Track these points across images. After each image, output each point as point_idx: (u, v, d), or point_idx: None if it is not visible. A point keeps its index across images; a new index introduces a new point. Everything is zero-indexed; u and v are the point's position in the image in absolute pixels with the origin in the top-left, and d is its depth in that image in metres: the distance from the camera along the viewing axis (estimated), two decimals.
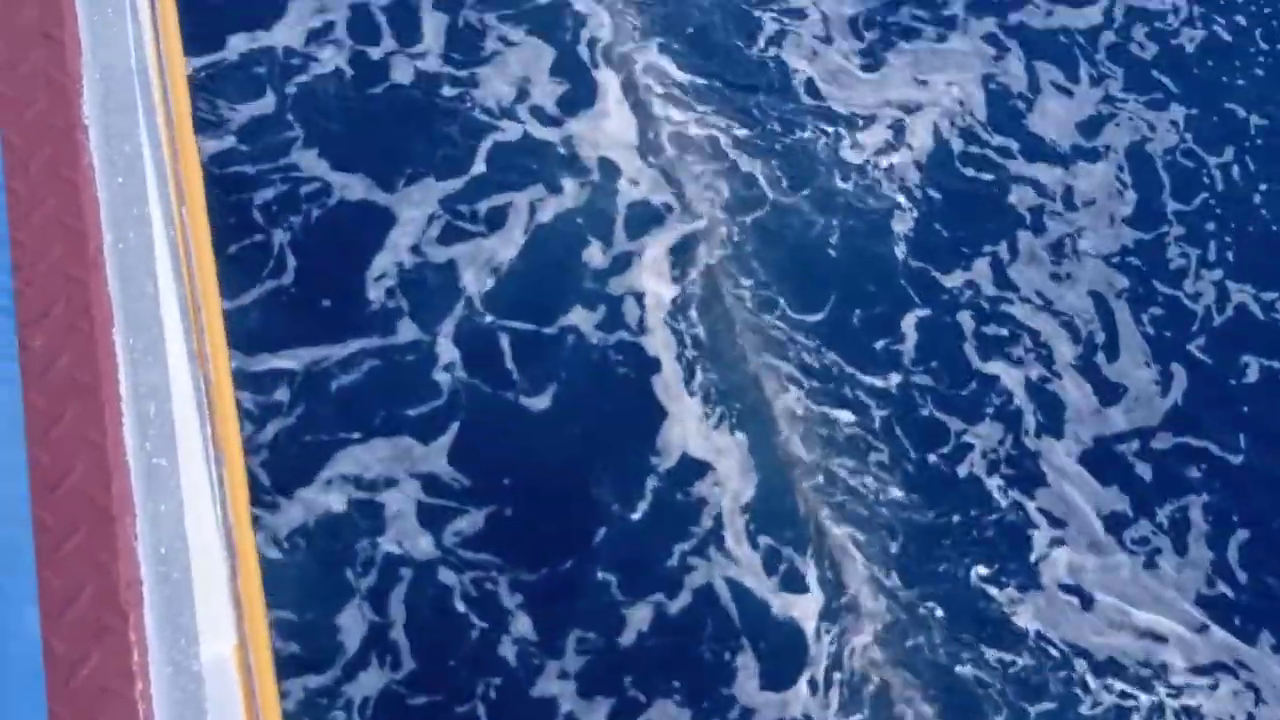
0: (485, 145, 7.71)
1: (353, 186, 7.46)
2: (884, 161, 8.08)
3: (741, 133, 8.04)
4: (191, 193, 3.29)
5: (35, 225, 2.67)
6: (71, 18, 2.99)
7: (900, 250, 7.77)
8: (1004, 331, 7.61)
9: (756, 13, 8.42)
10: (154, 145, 2.95)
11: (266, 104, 7.60)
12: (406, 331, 7.05)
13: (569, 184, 7.60)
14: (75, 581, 2.71)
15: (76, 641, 2.70)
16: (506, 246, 7.37)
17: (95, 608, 2.70)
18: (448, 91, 7.88)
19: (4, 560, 2.67)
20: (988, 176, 8.13)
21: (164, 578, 2.76)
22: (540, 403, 6.93)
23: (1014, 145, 8.29)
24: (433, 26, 8.02)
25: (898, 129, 8.21)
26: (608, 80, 8.08)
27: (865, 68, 8.45)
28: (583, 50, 8.08)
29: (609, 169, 7.72)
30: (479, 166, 7.60)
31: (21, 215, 2.66)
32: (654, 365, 7.08)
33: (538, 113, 7.86)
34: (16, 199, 2.67)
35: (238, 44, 7.72)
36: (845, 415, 7.20)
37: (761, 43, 8.36)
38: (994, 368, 7.48)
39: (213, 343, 3.84)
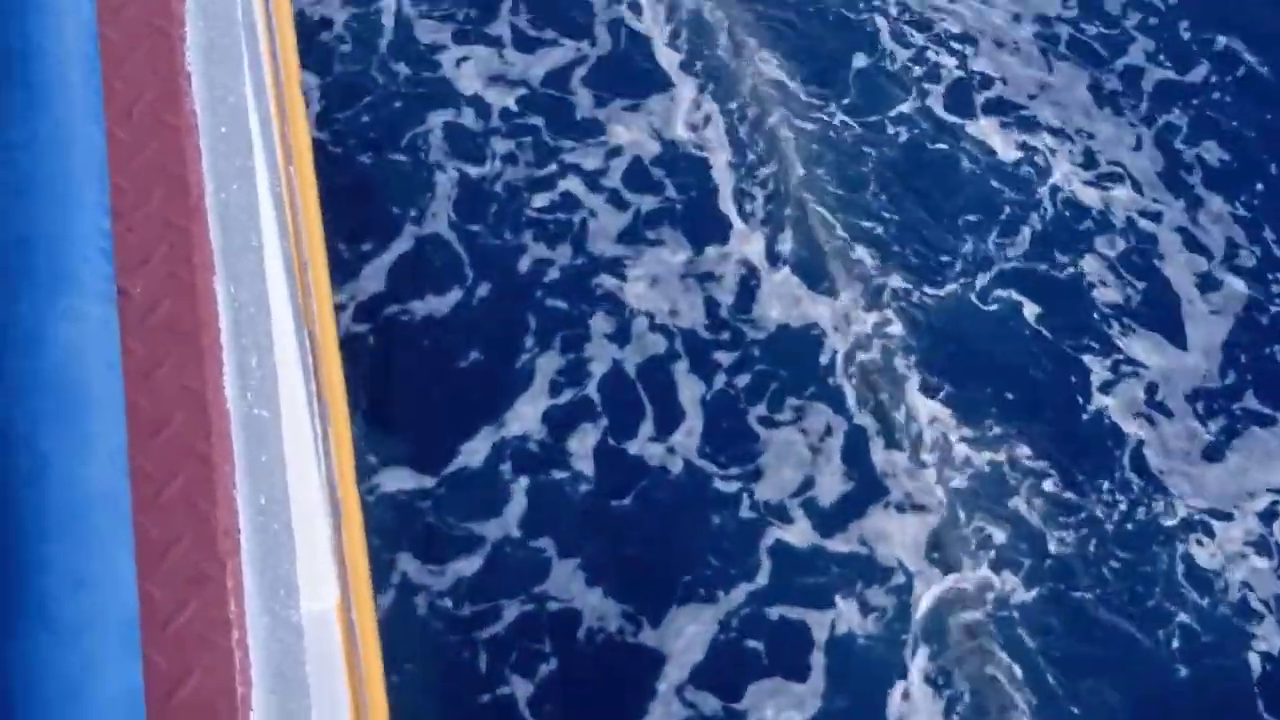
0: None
1: None
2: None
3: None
4: (299, 151, 3.28)
5: (136, 170, 2.66)
6: None
7: None
8: None
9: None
10: (260, 100, 2.93)
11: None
12: None
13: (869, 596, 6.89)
14: (173, 529, 2.70)
15: (173, 589, 2.69)
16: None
17: (193, 555, 2.69)
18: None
19: (102, 508, 2.66)
20: None
21: (263, 528, 2.75)
22: None
23: None
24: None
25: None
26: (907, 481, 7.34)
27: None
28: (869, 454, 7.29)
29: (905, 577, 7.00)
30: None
31: (123, 160, 2.65)
32: None
33: (818, 512, 7.07)
34: (118, 144, 2.66)
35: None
36: None
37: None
38: None
39: (319, 302, 3.86)
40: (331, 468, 3.96)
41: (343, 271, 7.06)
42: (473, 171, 7.68)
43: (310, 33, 7.78)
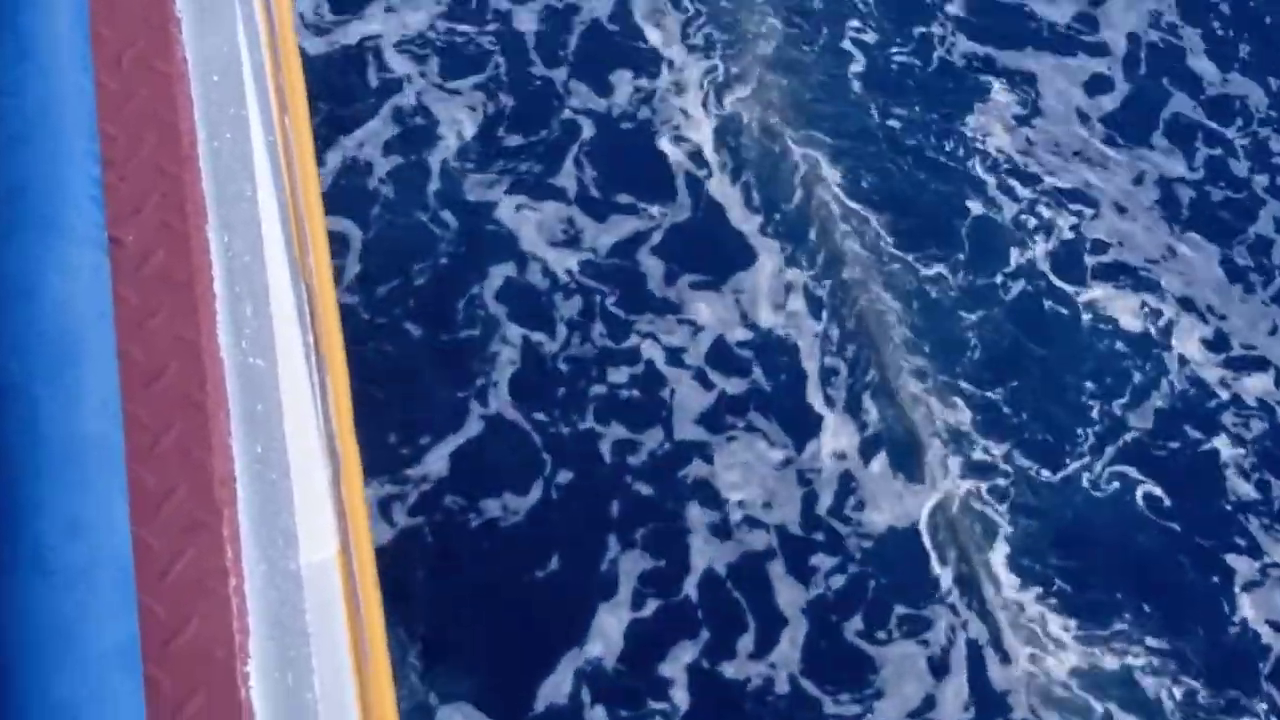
0: None
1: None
2: None
3: None
4: (294, 102, 3.32)
5: (127, 118, 2.70)
6: None
7: None
8: None
9: None
10: (253, 48, 2.98)
11: None
12: None
13: None
14: (169, 478, 2.66)
15: (169, 537, 2.64)
16: None
17: (189, 503, 2.64)
18: None
19: (95, 456, 2.63)
20: None
21: (260, 476, 2.70)
22: None
23: None
24: None
25: None
26: None
27: None
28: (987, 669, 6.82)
29: None
30: None
31: (113, 108, 2.69)
32: None
33: None
34: (107, 92, 2.70)
35: None
36: None
37: None
38: None
39: (316, 251, 3.84)
40: (330, 418, 3.89)
41: (393, 460, 6.89)
42: (538, 340, 7.51)
43: (348, 180, 7.65)
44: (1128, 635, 6.78)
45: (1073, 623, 6.82)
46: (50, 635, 2.48)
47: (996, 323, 7.70)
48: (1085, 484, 7.26)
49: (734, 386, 7.34)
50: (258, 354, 2.74)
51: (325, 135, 7.38)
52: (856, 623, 6.77)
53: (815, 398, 7.39)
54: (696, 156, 7.89)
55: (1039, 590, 6.86)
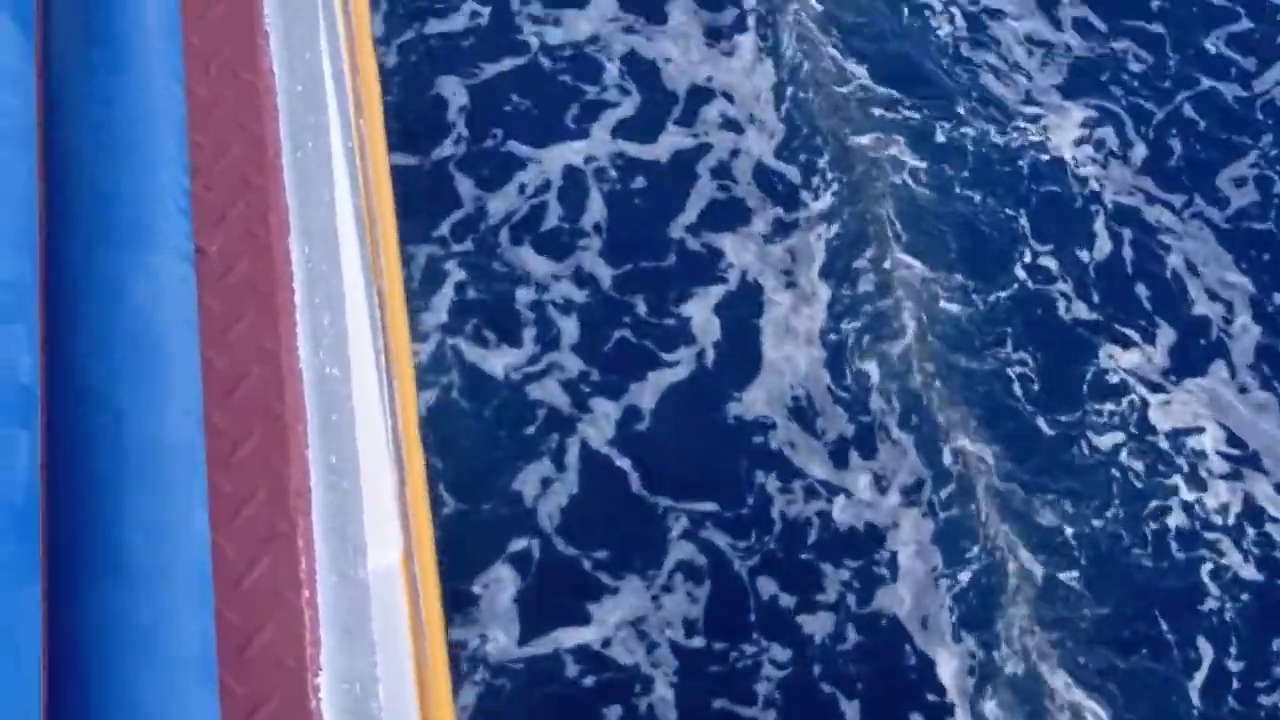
0: None
1: None
2: None
3: None
4: (369, 103, 3.34)
5: (214, 128, 2.72)
6: None
7: None
8: None
9: None
10: (334, 54, 3.00)
11: None
12: None
13: None
14: (247, 486, 2.68)
15: (246, 546, 2.66)
16: None
17: (266, 513, 2.67)
18: None
19: (176, 463, 2.65)
20: None
21: (333, 486, 2.72)
22: None
23: None
24: None
25: None
26: None
27: None
28: None
29: None
30: None
31: (201, 117, 2.72)
32: None
33: None
34: (196, 100, 2.73)
35: None
36: None
37: None
38: None
39: (387, 257, 3.87)
40: (398, 424, 3.92)
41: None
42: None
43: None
44: None
45: None
46: (129, 639, 2.51)
47: None
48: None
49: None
50: (334, 363, 2.76)
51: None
52: None
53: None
54: None
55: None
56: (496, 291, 7.28)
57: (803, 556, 6.88)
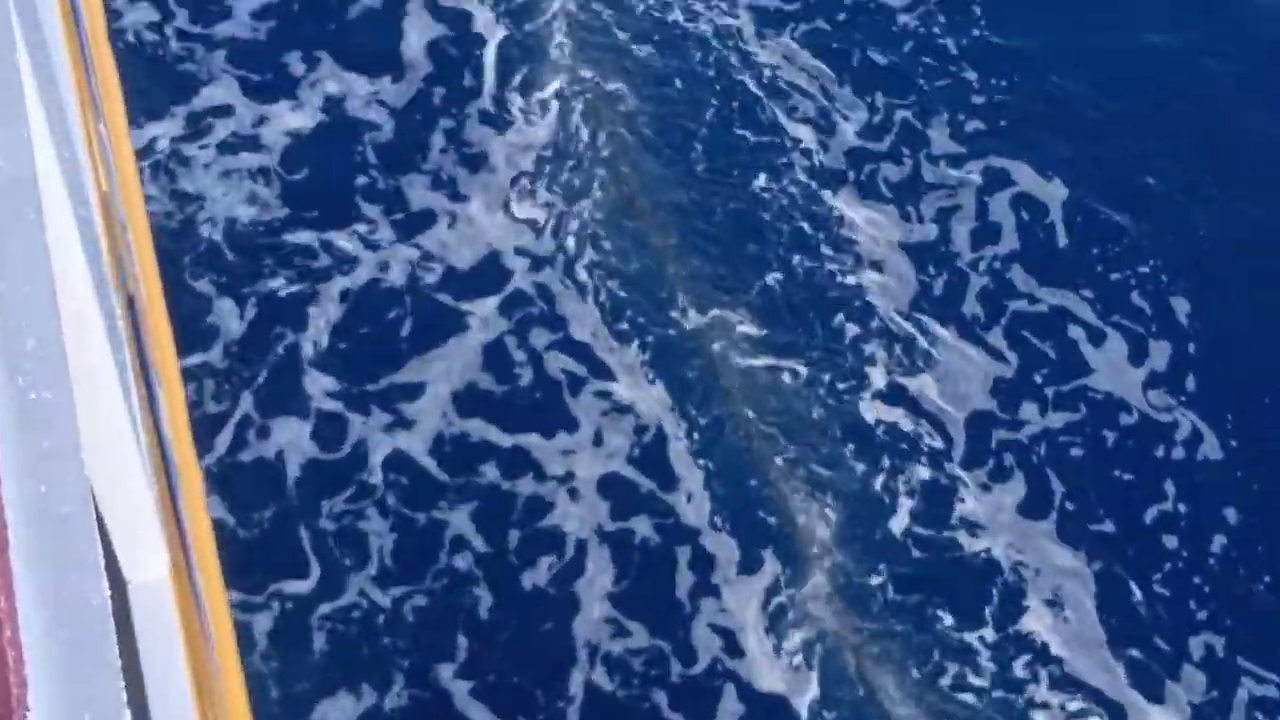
0: None
1: None
2: None
3: None
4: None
5: None
6: None
7: None
8: None
9: None
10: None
11: None
12: None
13: None
14: None
15: None
16: None
17: None
18: None
19: None
20: None
21: (43, 514, 2.55)
22: None
23: None
24: None
25: None
26: None
27: None
28: None
29: None
30: None
31: None
32: None
33: None
34: None
35: None
36: None
37: None
38: None
39: (142, 262, 3.64)
40: (163, 432, 3.75)
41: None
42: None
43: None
44: None
45: None
46: None
47: None
48: None
49: None
50: (42, 387, 2.59)
51: None
52: None
53: None
54: None
55: None
56: None
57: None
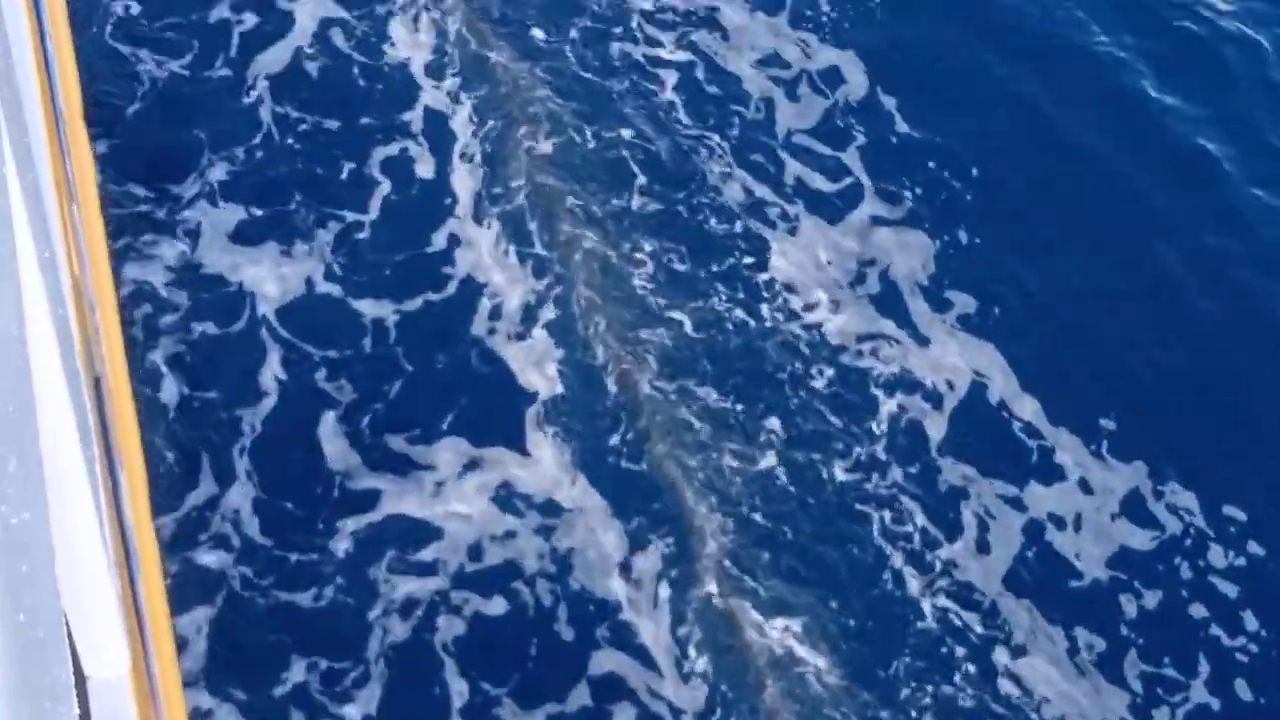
0: None
1: None
2: None
3: None
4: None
5: None
6: None
7: None
8: None
9: None
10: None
11: None
12: None
13: None
14: None
15: None
16: None
17: None
18: None
19: None
20: None
21: (23, 641, 2.42)
22: None
23: None
24: None
25: None
26: None
27: None
28: None
29: None
30: None
31: None
32: None
33: None
34: None
35: None
36: None
37: None
38: None
39: (107, 335, 3.56)
40: (127, 523, 3.65)
41: None
42: None
43: None
44: None
45: None
46: None
47: None
48: None
49: None
50: (22, 508, 2.46)
51: None
52: None
53: None
54: None
55: None
56: None
57: None
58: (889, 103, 9.88)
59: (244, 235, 8.52)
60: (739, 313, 8.71)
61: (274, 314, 8.14)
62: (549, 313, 8.36)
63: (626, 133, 9.38)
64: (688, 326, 8.53)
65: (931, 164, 9.58)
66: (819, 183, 9.38)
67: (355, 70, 9.36)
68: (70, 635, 3.77)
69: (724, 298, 8.70)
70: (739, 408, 8.36)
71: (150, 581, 4.67)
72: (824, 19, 10.13)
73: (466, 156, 9.03)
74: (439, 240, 8.69)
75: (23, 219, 2.97)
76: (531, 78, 9.38)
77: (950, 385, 8.51)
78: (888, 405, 8.43)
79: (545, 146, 9.01)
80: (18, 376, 2.53)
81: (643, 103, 9.46)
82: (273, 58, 9.29)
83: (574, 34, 9.82)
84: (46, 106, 4.69)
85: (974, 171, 9.58)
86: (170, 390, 7.54)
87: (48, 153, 4.23)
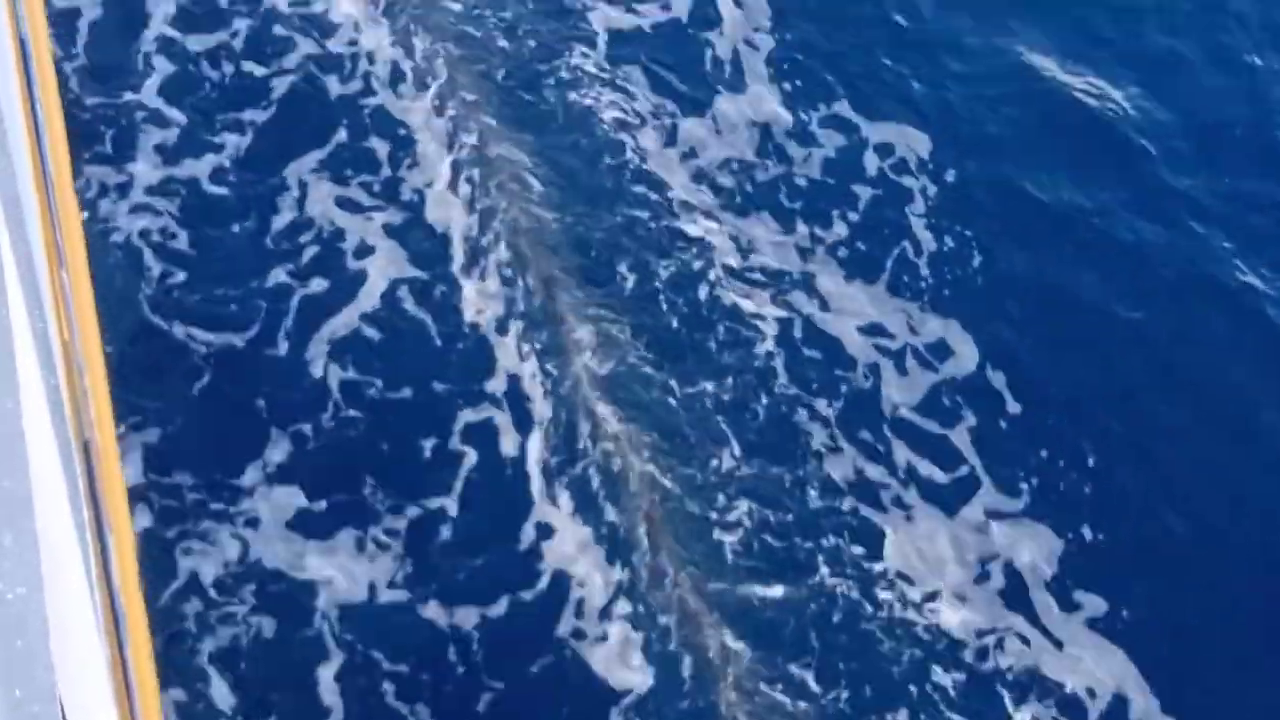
0: None
1: None
2: None
3: None
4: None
5: None
6: None
7: None
8: None
9: None
10: None
11: None
12: None
13: None
14: None
15: None
16: None
17: None
18: None
19: None
20: None
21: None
22: None
23: None
24: None
25: None
26: None
27: None
28: None
29: None
30: None
31: None
32: None
33: None
34: None
35: None
36: None
37: None
38: None
39: (97, 404, 3.53)
40: (116, 590, 3.61)
41: None
42: None
43: None
44: None
45: None
46: None
47: None
48: None
49: None
50: (17, 584, 2.47)
51: None
52: None
53: None
54: None
55: None
56: None
57: None
58: (997, 380, 9.39)
59: (308, 526, 7.99)
60: (852, 595, 8.26)
61: (337, 616, 7.66)
62: (632, 604, 8.02)
63: (714, 387, 9.06)
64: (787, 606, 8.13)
65: (1044, 452, 9.11)
66: (927, 468, 8.92)
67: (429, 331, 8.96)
68: (62, 706, 3.74)
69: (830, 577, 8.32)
70: (844, 697, 7.86)
71: (138, 647, 4.64)
72: (923, 285, 9.67)
73: (540, 424, 8.65)
74: (528, 531, 8.22)
75: (17, 291, 2.98)
76: (615, 325, 9.10)
77: (1091, 693, 8.16)
78: (1020, 715, 7.98)
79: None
80: (13, 450, 2.54)
81: (736, 359, 9.18)
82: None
83: (658, 284, 9.44)
84: (36, 171, 4.70)
85: (1090, 462, 9.09)
86: (222, 695, 7.25)
87: (39, 221, 4.24)
